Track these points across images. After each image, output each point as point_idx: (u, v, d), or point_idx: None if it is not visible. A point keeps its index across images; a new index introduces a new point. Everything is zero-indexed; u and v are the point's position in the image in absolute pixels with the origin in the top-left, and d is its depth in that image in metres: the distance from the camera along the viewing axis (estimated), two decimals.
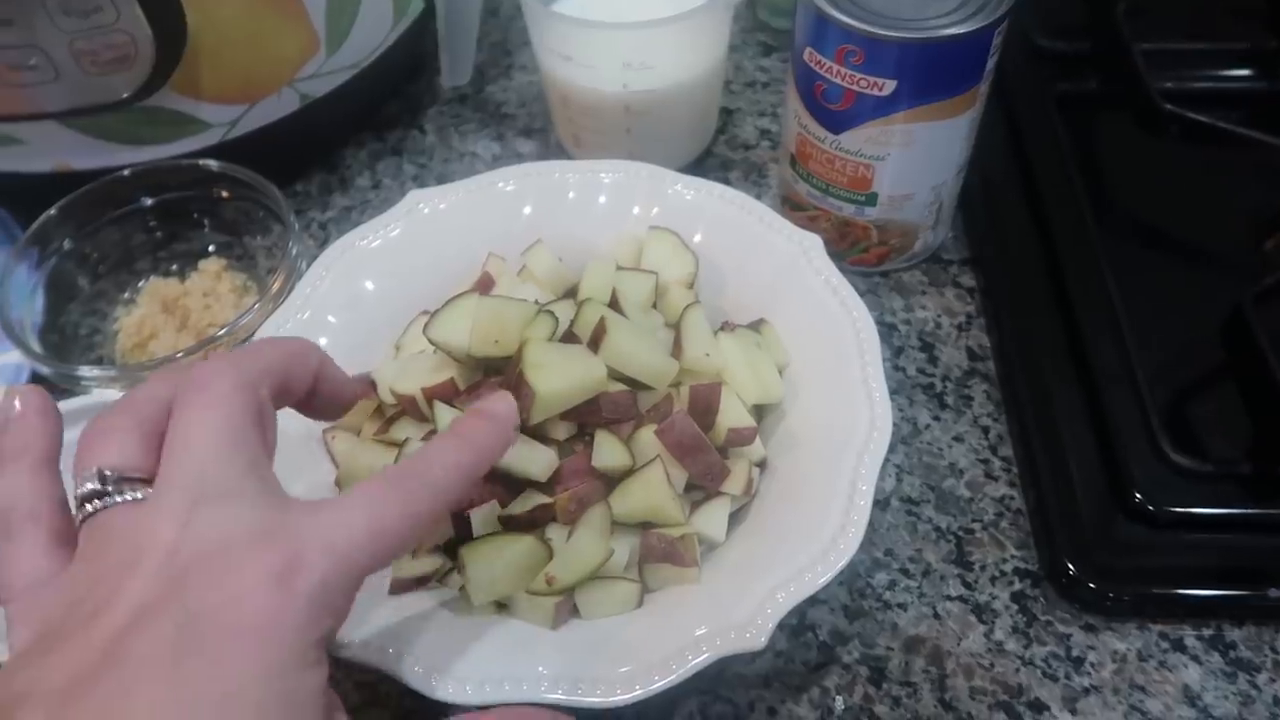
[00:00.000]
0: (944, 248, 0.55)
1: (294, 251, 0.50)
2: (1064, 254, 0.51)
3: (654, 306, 0.45)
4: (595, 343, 0.39)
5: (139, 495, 0.27)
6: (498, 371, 0.40)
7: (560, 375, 0.37)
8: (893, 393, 0.43)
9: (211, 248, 0.55)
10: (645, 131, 0.55)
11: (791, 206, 0.54)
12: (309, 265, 0.46)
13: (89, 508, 0.27)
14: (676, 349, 0.41)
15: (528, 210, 0.49)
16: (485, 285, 0.45)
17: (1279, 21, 0.61)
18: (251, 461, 0.28)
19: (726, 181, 0.59)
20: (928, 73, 0.44)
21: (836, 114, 0.47)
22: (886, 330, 0.51)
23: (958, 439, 0.47)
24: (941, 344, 0.51)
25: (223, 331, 0.47)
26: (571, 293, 0.45)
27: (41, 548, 0.28)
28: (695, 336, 0.41)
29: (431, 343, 0.39)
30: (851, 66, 0.44)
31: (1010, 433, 0.47)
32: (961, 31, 0.42)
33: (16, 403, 0.30)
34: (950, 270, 0.54)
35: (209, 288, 0.52)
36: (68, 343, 0.52)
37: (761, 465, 0.41)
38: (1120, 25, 0.59)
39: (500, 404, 0.33)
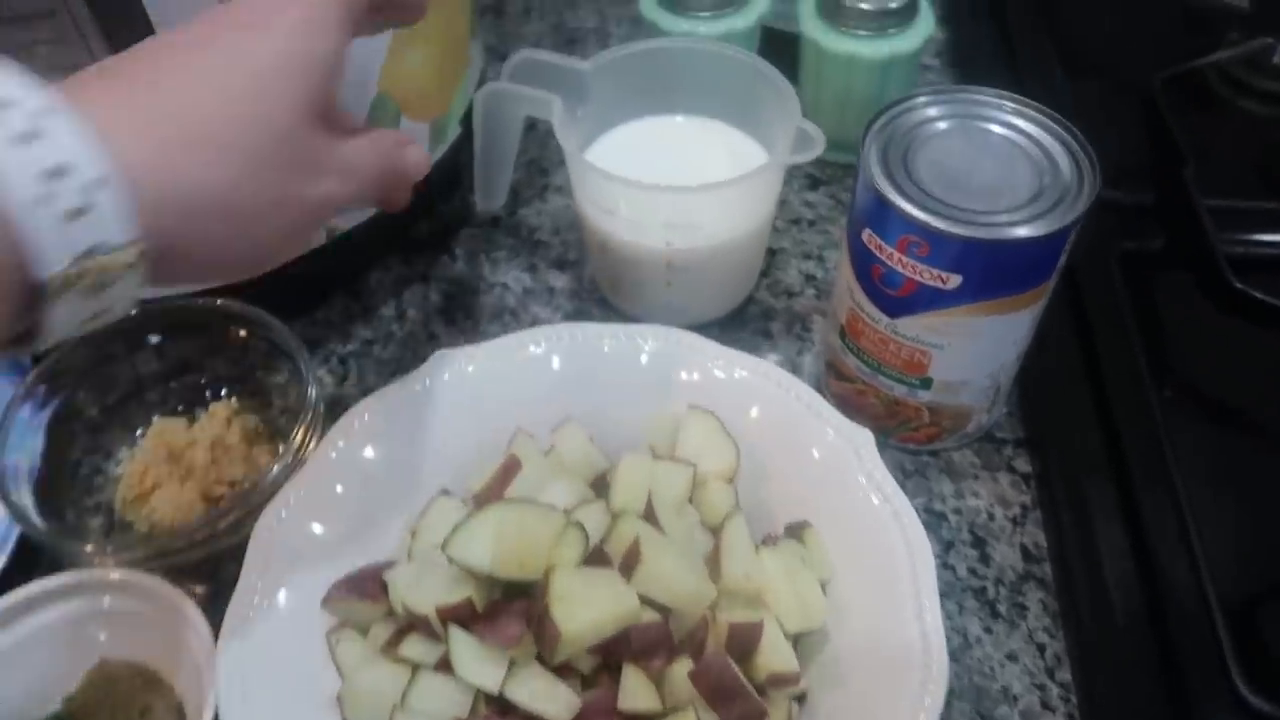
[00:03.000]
0: (997, 425, 0.51)
1: (312, 394, 0.47)
2: (1128, 443, 0.48)
3: (689, 500, 0.42)
4: (628, 567, 0.36)
5: None
6: (522, 592, 0.36)
7: (588, 608, 0.34)
8: (941, 596, 0.40)
9: (224, 390, 0.52)
10: (686, 285, 0.52)
11: (836, 375, 0.51)
12: (325, 406, 0.44)
13: None
14: (714, 566, 0.38)
15: (558, 372, 0.46)
16: (510, 469, 0.42)
17: None
18: None
19: (768, 334, 0.56)
20: (996, 271, 0.41)
21: (894, 299, 0.44)
22: (935, 520, 0.48)
23: (1011, 657, 0.43)
24: (994, 540, 0.47)
25: (228, 494, 0.45)
26: (602, 483, 0.42)
27: None
28: (736, 553, 0.38)
29: (451, 560, 0.36)
30: (915, 257, 0.41)
31: (1069, 653, 0.43)
32: (1034, 234, 0.39)
33: None
34: (1004, 452, 0.51)
35: (218, 435, 0.49)
36: (66, 483, 0.49)
37: (801, 700, 0.38)
38: (1189, 188, 0.56)
39: None
